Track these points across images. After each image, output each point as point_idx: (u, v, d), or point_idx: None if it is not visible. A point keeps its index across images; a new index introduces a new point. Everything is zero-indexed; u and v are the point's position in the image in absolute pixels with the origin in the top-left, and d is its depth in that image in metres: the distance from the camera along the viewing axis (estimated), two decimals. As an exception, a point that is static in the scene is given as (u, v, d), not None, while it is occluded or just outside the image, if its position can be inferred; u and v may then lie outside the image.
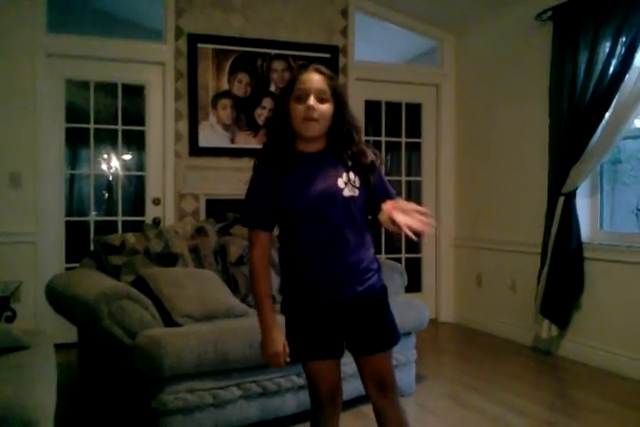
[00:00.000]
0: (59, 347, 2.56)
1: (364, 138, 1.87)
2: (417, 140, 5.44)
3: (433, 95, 5.43)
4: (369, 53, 5.15)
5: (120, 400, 2.70)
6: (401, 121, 5.38)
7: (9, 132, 4.11)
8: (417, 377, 3.36)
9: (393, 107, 5.35)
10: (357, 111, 4.92)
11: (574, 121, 3.89)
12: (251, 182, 1.81)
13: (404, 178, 5.43)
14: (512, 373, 3.74)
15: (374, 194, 1.79)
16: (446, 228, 5.38)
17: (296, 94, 1.72)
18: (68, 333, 3.41)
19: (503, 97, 4.78)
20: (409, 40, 5.48)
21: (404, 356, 3.20)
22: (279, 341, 1.77)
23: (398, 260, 5.23)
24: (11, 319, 3.09)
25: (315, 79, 1.73)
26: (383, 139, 5.33)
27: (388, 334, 1.84)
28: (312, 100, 1.70)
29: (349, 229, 1.75)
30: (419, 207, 1.57)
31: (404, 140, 5.41)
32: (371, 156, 1.79)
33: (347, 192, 1.74)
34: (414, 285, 5.12)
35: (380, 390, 1.83)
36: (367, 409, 2.98)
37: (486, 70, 5.02)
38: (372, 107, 5.24)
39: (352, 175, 1.76)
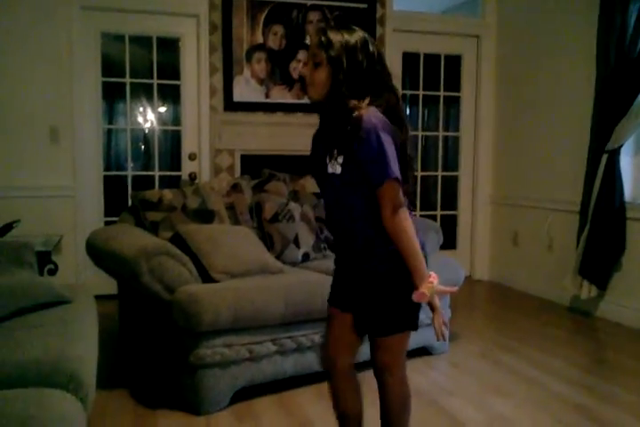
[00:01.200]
0: (99, 298, 2.63)
1: (365, 104, 1.67)
2: (456, 93, 5.28)
3: (473, 47, 5.23)
4: (407, 3, 4.96)
5: (159, 352, 2.78)
6: (440, 74, 5.22)
7: (47, 87, 4.13)
8: (450, 336, 3.36)
9: (431, 59, 5.18)
10: (394, 64, 4.84)
11: (622, 74, 3.71)
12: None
13: (441, 133, 5.31)
14: (548, 333, 3.72)
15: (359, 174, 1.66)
16: (483, 185, 5.29)
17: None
18: (109, 284, 3.49)
19: (547, 49, 4.58)
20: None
21: (438, 314, 3.20)
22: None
23: (434, 217, 5.19)
24: (53, 272, 3.18)
25: (313, 42, 1.70)
26: (421, 92, 5.19)
27: (386, 322, 1.77)
28: (303, 65, 1.73)
29: (337, 204, 1.75)
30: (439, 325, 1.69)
31: (442, 93, 5.25)
32: (362, 130, 1.61)
33: (329, 168, 1.70)
34: (449, 242, 5.08)
35: (379, 371, 1.84)
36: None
37: (530, 21, 4.79)
38: (409, 59, 5.08)
39: (337, 152, 1.67)
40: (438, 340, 1.72)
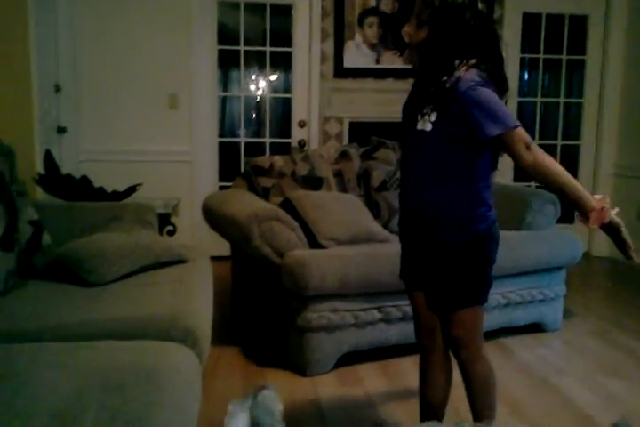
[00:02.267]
0: (214, 259, 2.74)
1: (467, 66, 1.61)
2: (580, 57, 4.92)
3: (602, 6, 4.82)
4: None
5: (269, 314, 2.88)
6: (563, 36, 4.88)
7: (167, 55, 4.30)
8: (565, 313, 3.23)
9: (554, 20, 4.84)
10: (514, 25, 4.56)
11: None
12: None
13: (562, 99, 5.00)
14: (670, 314, 3.48)
15: (470, 131, 1.58)
16: (607, 155, 4.94)
17: None
18: (223, 246, 3.64)
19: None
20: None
21: (552, 291, 3.08)
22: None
23: (550, 188, 4.93)
24: (172, 233, 3.36)
25: (416, 2, 1.65)
26: (541, 56, 4.89)
27: (456, 296, 1.71)
28: (407, 26, 1.66)
29: (420, 164, 1.69)
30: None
31: (564, 57, 4.92)
32: (460, 86, 1.57)
33: (419, 125, 1.65)
34: (567, 215, 4.79)
35: (453, 347, 1.80)
36: (510, 342, 2.95)
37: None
38: (530, 20, 4.78)
39: (429, 109, 1.62)
40: (630, 258, 1.56)
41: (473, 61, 1.61)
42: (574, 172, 5.05)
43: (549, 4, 4.78)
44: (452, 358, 1.84)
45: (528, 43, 4.87)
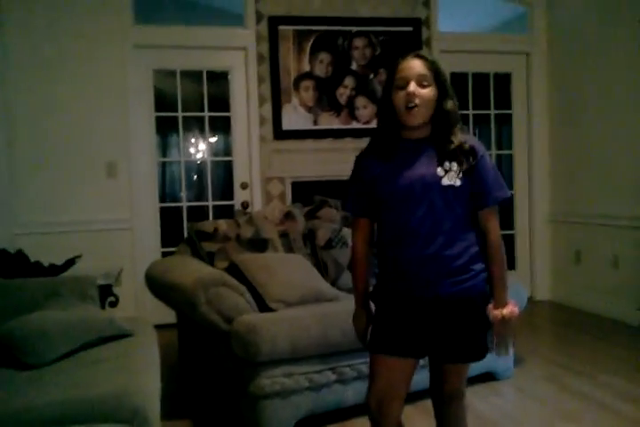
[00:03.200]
0: (159, 328, 2.66)
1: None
2: (507, 111, 5.20)
3: (523, 64, 5.16)
4: (453, 24, 4.95)
5: (219, 382, 2.79)
6: (489, 92, 5.16)
7: (103, 123, 4.28)
8: (515, 360, 3.25)
9: (480, 78, 5.13)
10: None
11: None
12: (354, 169, 1.79)
13: (494, 151, 5.22)
14: (616, 354, 3.56)
15: (473, 189, 1.69)
16: (540, 203, 5.16)
17: (397, 83, 1.69)
18: (168, 313, 3.54)
19: (600, 64, 4.46)
20: (494, 7, 5.21)
21: (500, 339, 3.10)
22: (362, 321, 1.83)
23: (490, 237, 5.07)
24: (114, 304, 3.26)
25: (415, 65, 1.69)
26: (471, 112, 5.13)
27: (479, 346, 1.73)
28: (412, 86, 1.66)
29: (447, 219, 1.67)
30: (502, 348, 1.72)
31: (492, 112, 5.19)
32: (472, 145, 1.71)
33: (446, 181, 1.66)
34: (508, 262, 4.92)
35: (450, 399, 1.81)
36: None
37: (582, 36, 4.69)
38: (458, 79, 5.04)
39: (454, 164, 1.67)
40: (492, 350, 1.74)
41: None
42: (511, 220, 5.23)
43: (474, 63, 5.07)
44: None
45: (458, 99, 5.10)
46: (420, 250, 1.67)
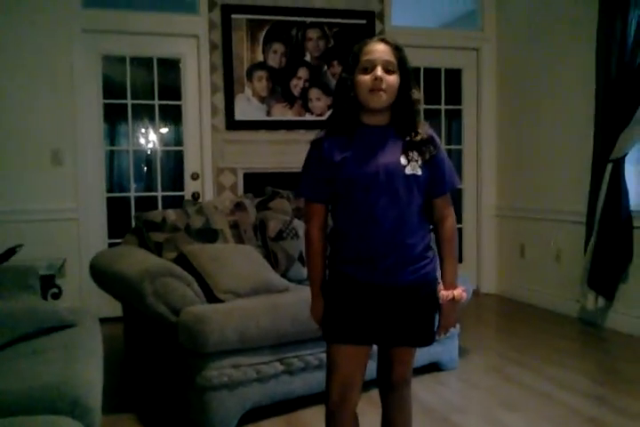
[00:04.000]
0: (104, 321, 2.61)
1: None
2: (457, 106, 5.29)
3: (473, 60, 5.25)
4: (406, 18, 4.99)
5: (166, 374, 2.75)
6: (440, 87, 5.23)
7: (48, 110, 4.15)
8: (460, 351, 3.32)
9: (432, 73, 5.19)
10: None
11: (624, 84, 3.72)
12: (309, 154, 1.74)
13: (444, 146, 5.27)
14: (557, 345, 3.68)
15: (431, 178, 1.71)
16: (487, 197, 5.28)
17: (362, 66, 1.66)
18: (113, 307, 3.48)
19: (547, 60, 4.59)
20: (447, 3, 5.28)
21: (446, 330, 3.17)
22: (320, 311, 1.81)
23: (439, 231, 5.16)
24: (57, 296, 3.17)
25: (381, 49, 1.66)
26: (422, 106, 5.19)
27: (430, 331, 1.78)
28: (379, 71, 1.63)
29: (408, 208, 1.68)
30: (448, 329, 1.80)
31: (443, 107, 5.26)
32: (432, 135, 1.73)
33: (409, 170, 1.67)
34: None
35: (397, 387, 1.84)
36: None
37: (530, 32, 4.80)
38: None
39: (415, 154, 1.68)
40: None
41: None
42: (459, 214, 5.33)
43: (426, 58, 5.09)
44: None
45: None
46: (385, 238, 1.67)
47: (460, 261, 5.28)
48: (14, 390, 1.63)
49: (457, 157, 5.35)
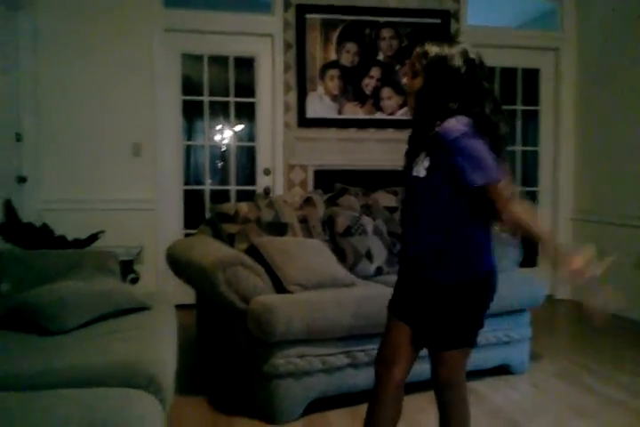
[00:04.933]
0: (178, 307, 2.69)
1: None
2: (534, 107, 5.15)
3: (551, 60, 5.10)
4: (482, 17, 4.91)
5: (235, 361, 2.82)
6: (516, 88, 5.11)
7: (130, 105, 4.33)
8: (531, 355, 3.24)
9: (508, 73, 5.08)
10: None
11: None
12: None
13: (519, 148, 5.18)
14: (633, 354, 3.52)
15: (460, 178, 1.63)
16: (565, 201, 5.10)
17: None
18: (187, 294, 3.58)
19: (631, 60, 4.40)
20: (524, 2, 5.16)
21: (517, 333, 3.10)
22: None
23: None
24: (135, 281, 3.30)
25: (413, 53, 1.75)
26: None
27: (446, 337, 1.76)
28: (405, 73, 1.76)
29: (416, 210, 1.75)
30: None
31: (519, 107, 5.14)
32: (449, 134, 1.63)
33: (414, 171, 1.72)
34: (529, 259, 4.89)
35: (443, 387, 1.82)
36: (477, 385, 2.93)
37: (612, 31, 4.62)
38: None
39: (422, 155, 1.70)
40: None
41: (455, 106, 1.67)
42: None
43: (502, 58, 5.01)
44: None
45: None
46: (405, 234, 1.85)
47: (535, 264, 5.13)
48: (95, 365, 1.73)
49: (533, 159, 5.21)
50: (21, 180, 3.84)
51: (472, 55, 1.71)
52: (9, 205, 3.27)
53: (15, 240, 3.16)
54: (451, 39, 1.80)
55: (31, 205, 3.95)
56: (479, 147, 1.62)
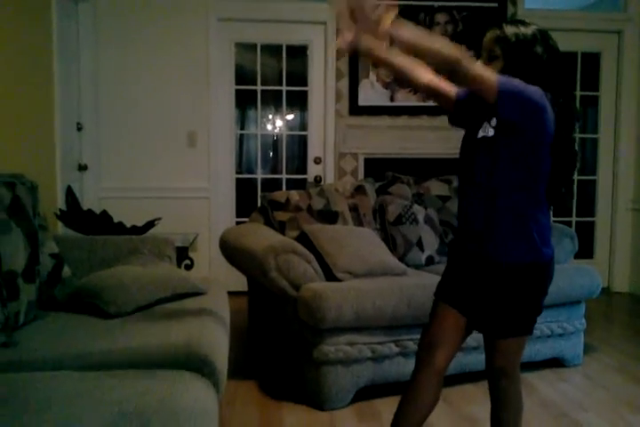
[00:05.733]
0: (231, 294, 2.75)
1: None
2: (594, 93, 4.98)
3: (614, 43, 4.91)
4: (539, 1, 4.76)
5: (285, 347, 2.87)
6: (576, 72, 4.95)
7: (185, 94, 4.42)
8: (585, 348, 3.17)
9: (567, 57, 4.91)
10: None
11: None
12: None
13: (577, 135, 5.01)
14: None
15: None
16: (625, 190, 4.94)
17: None
18: (239, 281, 3.65)
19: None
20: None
21: (571, 325, 3.04)
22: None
23: (569, 223, 4.90)
24: (189, 267, 3.39)
25: (486, 38, 1.71)
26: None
27: (509, 324, 1.71)
28: (482, 59, 1.69)
29: (479, 173, 1.66)
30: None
31: (578, 93, 4.97)
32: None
33: (480, 132, 1.68)
34: (586, 251, 4.77)
35: (497, 376, 1.79)
36: (530, 377, 2.90)
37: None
38: (543, 58, 4.86)
39: (494, 119, 1.65)
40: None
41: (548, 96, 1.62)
42: (592, 207, 5.04)
43: (561, 42, 4.82)
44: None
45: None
46: (467, 207, 1.79)
47: (591, 256, 5.00)
48: (151, 347, 1.78)
49: (591, 146, 5.05)
50: (82, 168, 3.98)
51: (551, 41, 1.68)
52: (70, 192, 3.40)
53: (76, 226, 3.28)
54: (524, 22, 1.73)
55: (91, 193, 4.10)
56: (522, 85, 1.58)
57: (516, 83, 1.58)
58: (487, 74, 1.55)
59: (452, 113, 1.80)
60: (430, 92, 1.74)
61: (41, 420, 1.28)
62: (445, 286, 1.81)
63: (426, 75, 1.68)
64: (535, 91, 1.58)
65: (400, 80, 1.79)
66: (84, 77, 4.11)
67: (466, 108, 1.75)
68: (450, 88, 1.73)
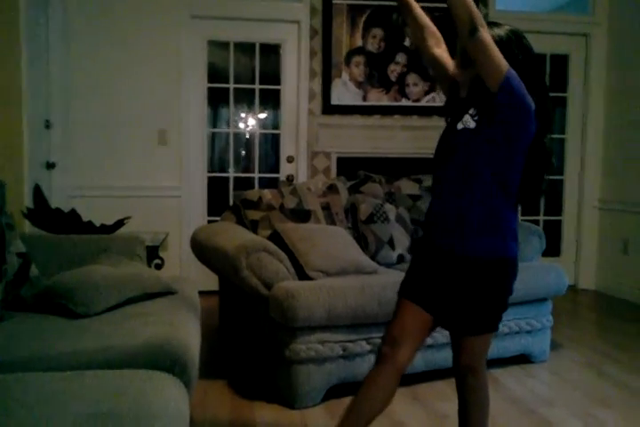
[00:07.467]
0: (201, 293, 2.74)
1: None
2: (562, 94, 5.07)
3: (582, 45, 5.01)
4: (510, 2, 4.83)
5: (256, 346, 2.86)
6: (545, 74, 5.03)
7: (156, 92, 4.38)
8: (552, 344, 3.24)
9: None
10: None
11: None
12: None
13: (549, 135, 5.10)
14: (658, 345, 3.49)
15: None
16: (591, 189, 5.04)
17: None
18: (210, 280, 3.64)
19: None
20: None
21: (538, 322, 3.10)
22: None
23: (536, 222, 4.99)
24: (159, 267, 3.37)
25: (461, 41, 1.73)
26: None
27: (473, 320, 1.73)
28: (456, 63, 1.76)
29: (456, 166, 1.68)
30: None
31: (546, 94, 5.06)
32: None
33: (459, 125, 1.69)
34: (553, 249, 4.86)
35: (464, 373, 1.81)
36: (497, 373, 2.94)
37: (646, 15, 4.52)
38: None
39: (473, 109, 1.68)
40: None
41: None
42: (559, 206, 5.14)
43: (532, 43, 4.93)
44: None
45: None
46: (438, 200, 1.80)
47: (558, 254, 5.10)
48: (122, 347, 1.77)
49: (559, 146, 5.14)
50: (50, 166, 3.92)
51: (525, 41, 1.70)
52: (38, 191, 3.35)
53: (43, 225, 3.23)
54: (496, 23, 1.74)
55: (59, 191, 4.03)
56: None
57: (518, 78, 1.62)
58: (500, 55, 1.58)
59: (446, 95, 1.84)
60: (435, 63, 1.84)
61: (11, 423, 1.26)
62: (410, 283, 1.79)
63: (437, 49, 1.83)
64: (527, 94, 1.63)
65: (413, 35, 1.87)
66: (53, 74, 4.04)
67: (452, 94, 1.78)
68: (452, 68, 1.78)
